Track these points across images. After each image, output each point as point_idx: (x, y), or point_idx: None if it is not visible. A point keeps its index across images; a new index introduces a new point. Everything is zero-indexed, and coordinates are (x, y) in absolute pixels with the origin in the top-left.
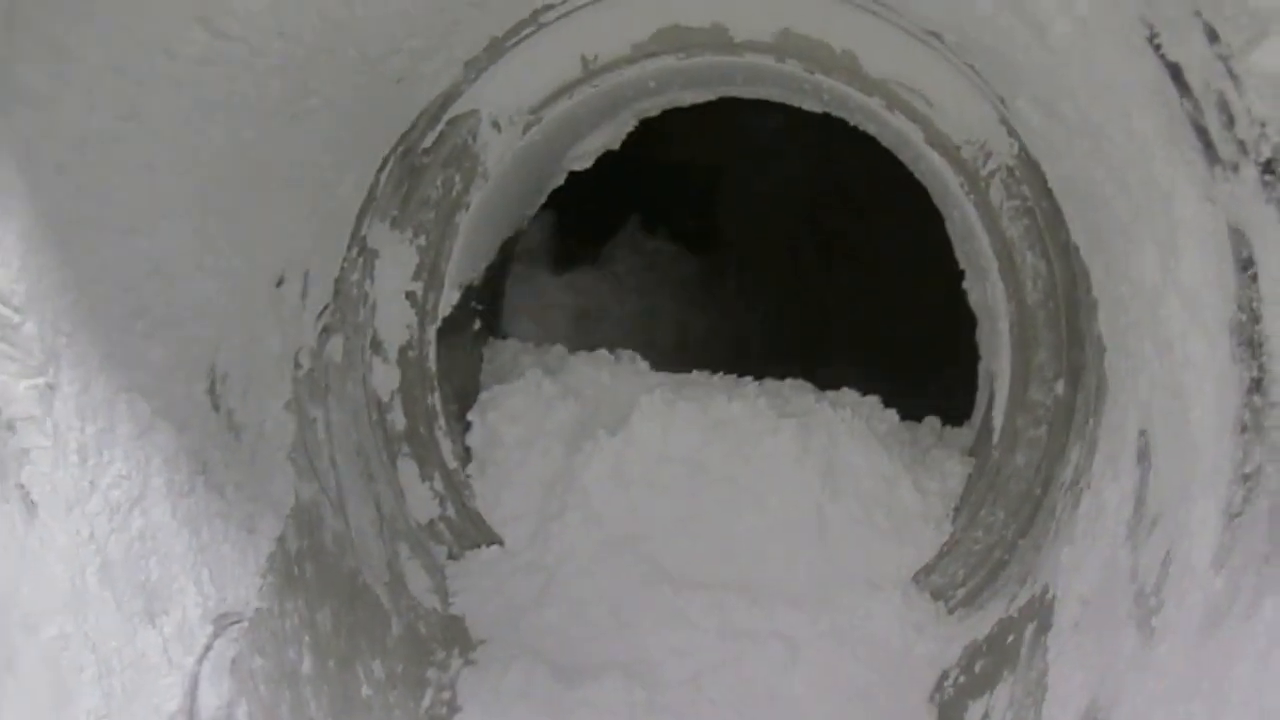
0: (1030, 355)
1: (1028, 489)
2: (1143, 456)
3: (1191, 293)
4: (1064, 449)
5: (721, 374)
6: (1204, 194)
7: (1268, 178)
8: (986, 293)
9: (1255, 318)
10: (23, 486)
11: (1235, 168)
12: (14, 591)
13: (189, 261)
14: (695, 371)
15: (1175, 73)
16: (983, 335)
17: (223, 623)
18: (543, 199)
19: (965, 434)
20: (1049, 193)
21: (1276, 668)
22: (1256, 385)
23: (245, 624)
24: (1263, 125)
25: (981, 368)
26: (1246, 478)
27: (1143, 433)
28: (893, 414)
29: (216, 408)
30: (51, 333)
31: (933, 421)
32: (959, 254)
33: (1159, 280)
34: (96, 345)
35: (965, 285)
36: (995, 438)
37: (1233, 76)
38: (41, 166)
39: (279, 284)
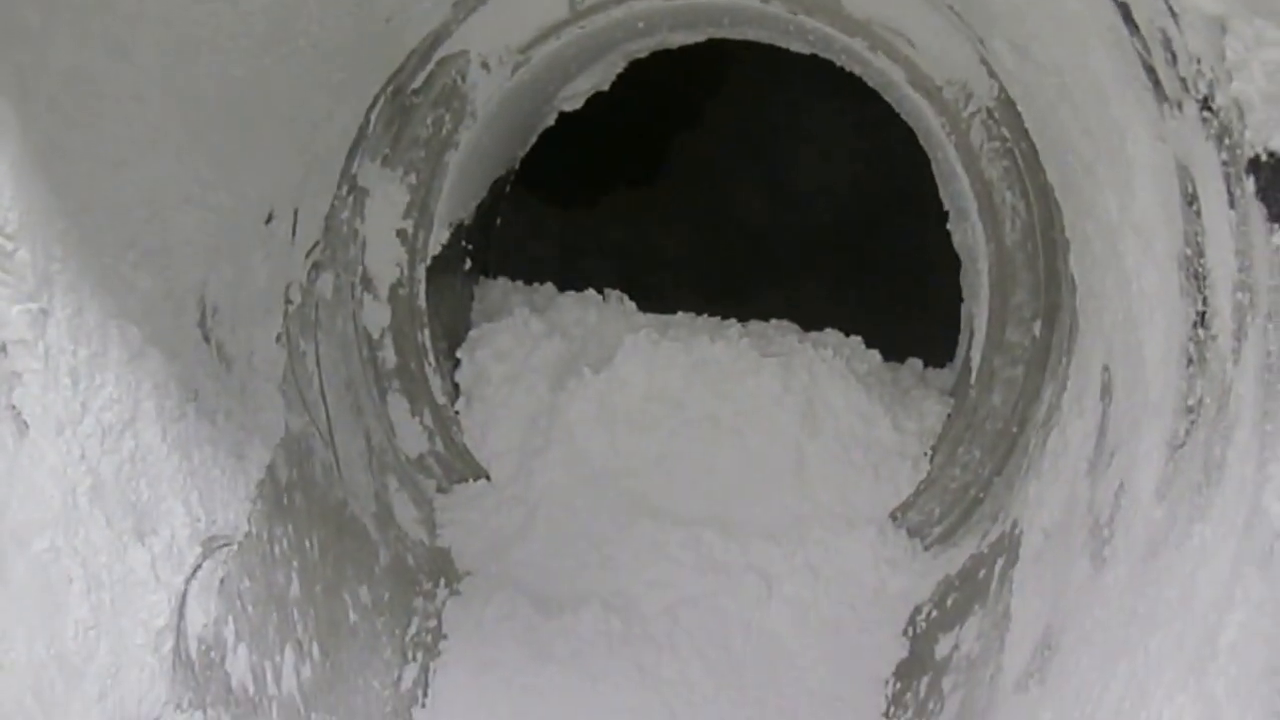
0: (1008, 296)
1: (1004, 428)
2: (1105, 392)
3: (1145, 228)
4: (1039, 389)
5: (706, 315)
6: (1154, 132)
7: (1205, 114)
8: (968, 234)
9: (1199, 252)
10: (14, 408)
11: (1179, 105)
12: (4, 506)
13: (178, 195)
14: (680, 313)
15: (1125, 12)
16: (965, 277)
17: (211, 545)
18: (534, 139)
19: (946, 375)
20: (1027, 134)
21: (1200, 590)
22: (1200, 319)
23: (234, 547)
24: (1198, 61)
25: (963, 309)
26: (1190, 410)
27: (1105, 368)
28: (874, 355)
29: (207, 339)
30: (44, 259)
31: (914, 364)
32: (943, 195)
33: (1117, 218)
34: (88, 273)
35: (949, 226)
36: (973, 378)
37: (1173, 14)
38: (33, 101)
39: (269, 220)
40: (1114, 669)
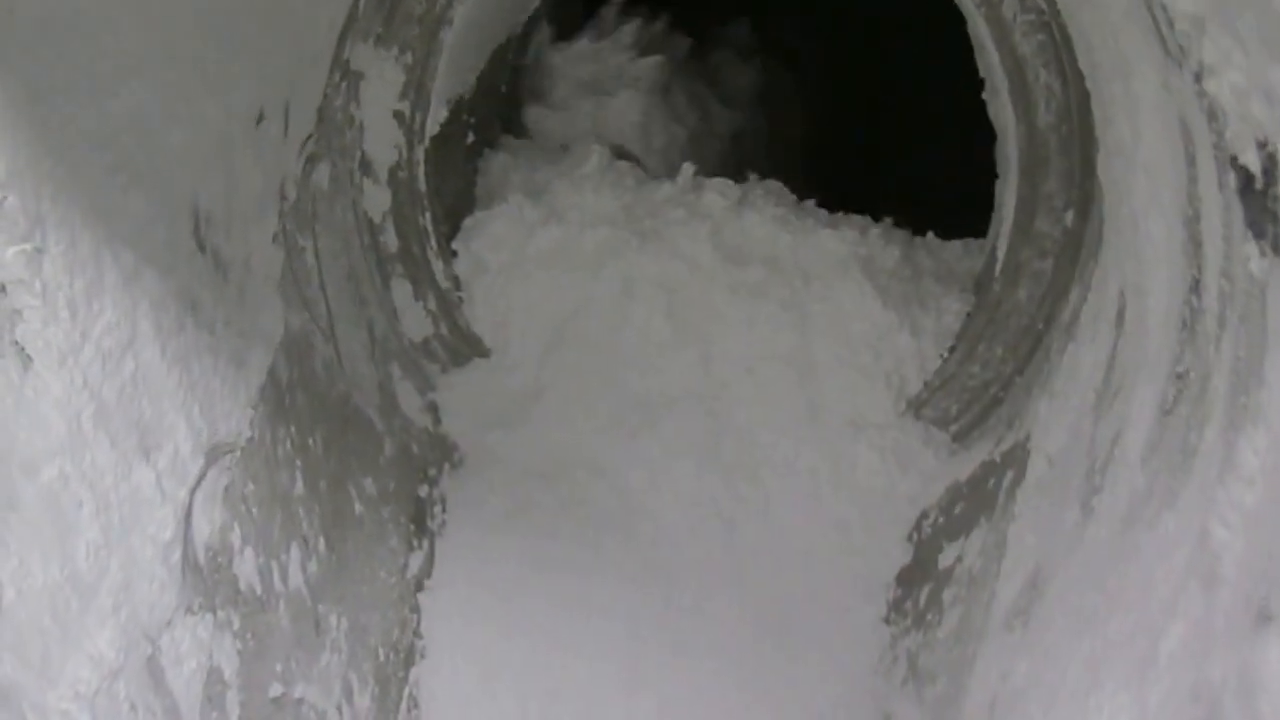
0: (1039, 182)
1: (1029, 324)
2: (1119, 319)
3: (1151, 173)
4: (1067, 286)
5: (721, 188)
6: (1161, 79)
7: (1197, 89)
8: (1000, 112)
9: (1197, 216)
10: (17, 343)
11: (1180, 63)
12: (12, 439)
13: (163, 115)
14: (695, 178)
15: None
16: (999, 153)
17: (215, 454)
18: (535, 4)
19: (975, 258)
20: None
21: (1157, 586)
22: (1195, 286)
23: (237, 453)
24: (1188, 39)
25: (996, 191)
26: (1179, 377)
27: (1122, 293)
28: (895, 250)
29: (202, 248)
30: (35, 201)
31: (938, 245)
32: (980, 67)
33: (1131, 150)
34: (78, 204)
35: (984, 96)
36: (998, 269)
37: None
38: (5, 50)
39: (259, 121)
40: (1079, 643)
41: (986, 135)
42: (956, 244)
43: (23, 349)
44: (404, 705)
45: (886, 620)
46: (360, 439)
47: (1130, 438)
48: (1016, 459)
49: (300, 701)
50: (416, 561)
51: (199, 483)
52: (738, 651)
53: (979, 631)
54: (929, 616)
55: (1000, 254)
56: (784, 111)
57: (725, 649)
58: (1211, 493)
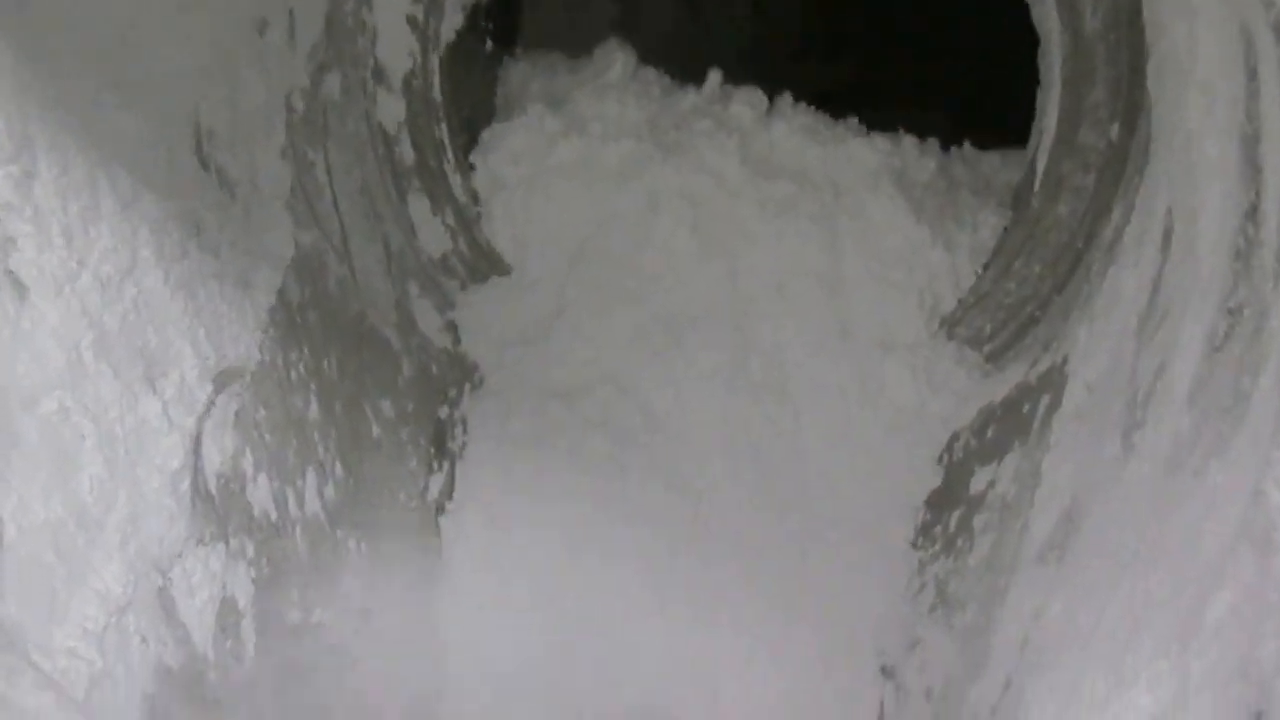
0: (1084, 92)
1: (1069, 240)
2: (1166, 240)
3: (1207, 86)
4: (1110, 203)
5: (749, 98)
6: None
7: None
8: (1044, 16)
9: (1257, 137)
10: (11, 273)
11: None
12: (9, 372)
13: (155, 25)
14: (722, 87)
15: None
16: (1042, 59)
17: (224, 380)
18: None
19: (1014, 170)
20: None
21: (1204, 545)
22: (1252, 213)
23: (248, 379)
24: None
25: (1038, 99)
26: (1230, 311)
27: (1169, 212)
28: (929, 162)
29: (205, 166)
30: (20, 121)
31: (975, 156)
32: None
33: (1185, 62)
34: (70, 125)
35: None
36: (1038, 182)
37: None
38: None
39: (262, 31)
40: (1117, 589)
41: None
42: (994, 155)
43: (17, 278)
44: (426, 628)
45: (915, 544)
46: (377, 360)
47: (1176, 371)
48: (1053, 383)
49: (319, 627)
50: (437, 484)
51: (208, 410)
52: (763, 574)
53: (1011, 562)
54: (959, 542)
55: (1040, 167)
56: None
57: (751, 572)
58: (1266, 451)
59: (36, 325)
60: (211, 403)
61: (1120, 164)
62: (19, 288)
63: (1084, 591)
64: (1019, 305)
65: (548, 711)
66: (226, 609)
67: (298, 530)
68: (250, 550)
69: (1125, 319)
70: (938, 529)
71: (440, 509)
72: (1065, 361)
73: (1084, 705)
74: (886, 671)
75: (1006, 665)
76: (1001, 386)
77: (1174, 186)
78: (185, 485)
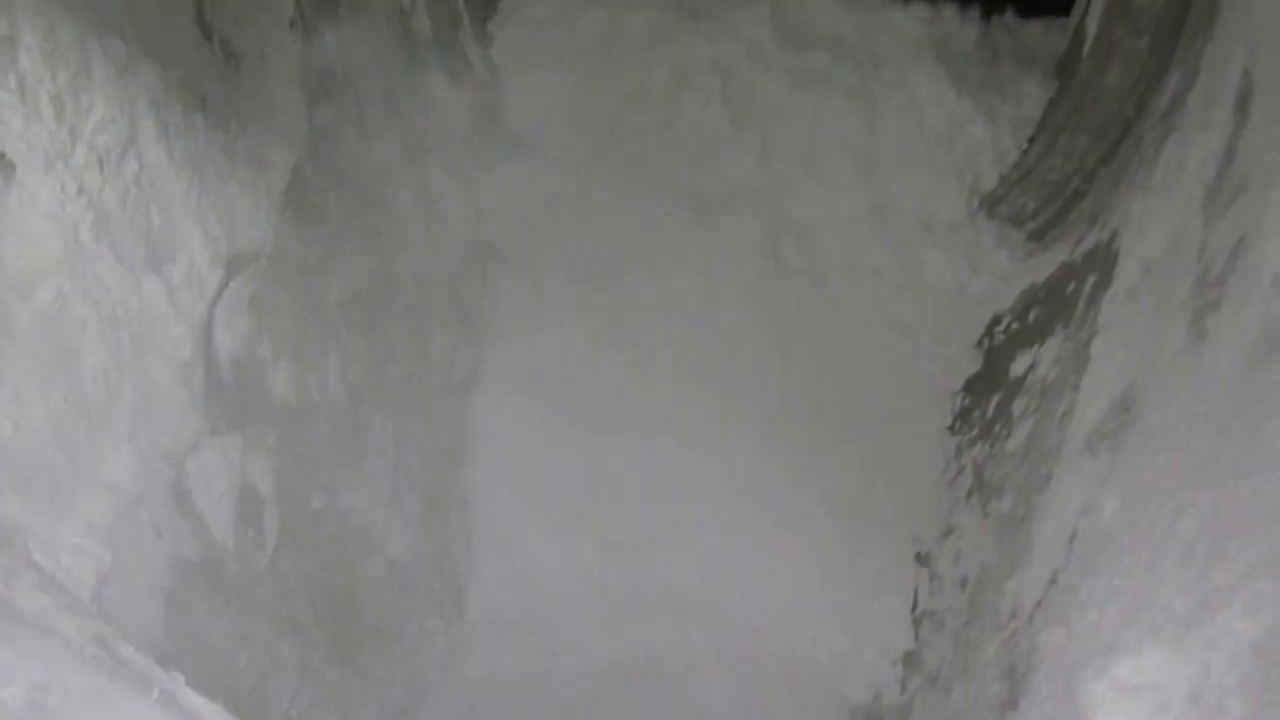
0: None
1: (1118, 111)
2: (1241, 104)
3: None
4: (1164, 69)
5: None
6: None
7: None
8: None
9: None
10: None
11: None
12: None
13: None
14: None
15: None
16: None
17: (236, 264)
18: None
19: (1059, 38)
20: None
21: None
22: None
23: (263, 262)
24: None
25: None
26: None
27: (1246, 74)
28: (971, 30)
29: (208, 36)
30: None
31: (1013, 22)
32: None
33: None
34: None
35: None
36: (1086, 48)
37: None
38: None
39: None
40: (1191, 493)
41: None
42: (1037, 23)
43: (2, 155)
44: (454, 507)
45: (952, 429)
46: (398, 242)
47: (1262, 251)
48: (1100, 262)
49: (346, 511)
50: (462, 364)
51: (220, 295)
52: (796, 459)
53: (1053, 450)
54: (997, 427)
55: (1090, 32)
56: None
57: (783, 457)
58: None
59: (27, 206)
60: (224, 288)
61: (1176, 26)
62: (5, 165)
63: (1147, 492)
64: (1064, 180)
65: (577, 594)
66: (246, 498)
67: (320, 414)
68: (270, 438)
69: (1190, 192)
70: (975, 414)
71: (466, 388)
72: (1114, 238)
73: (1160, 619)
74: (921, 559)
75: (1052, 560)
76: (1045, 267)
77: (1255, 43)
78: (199, 374)
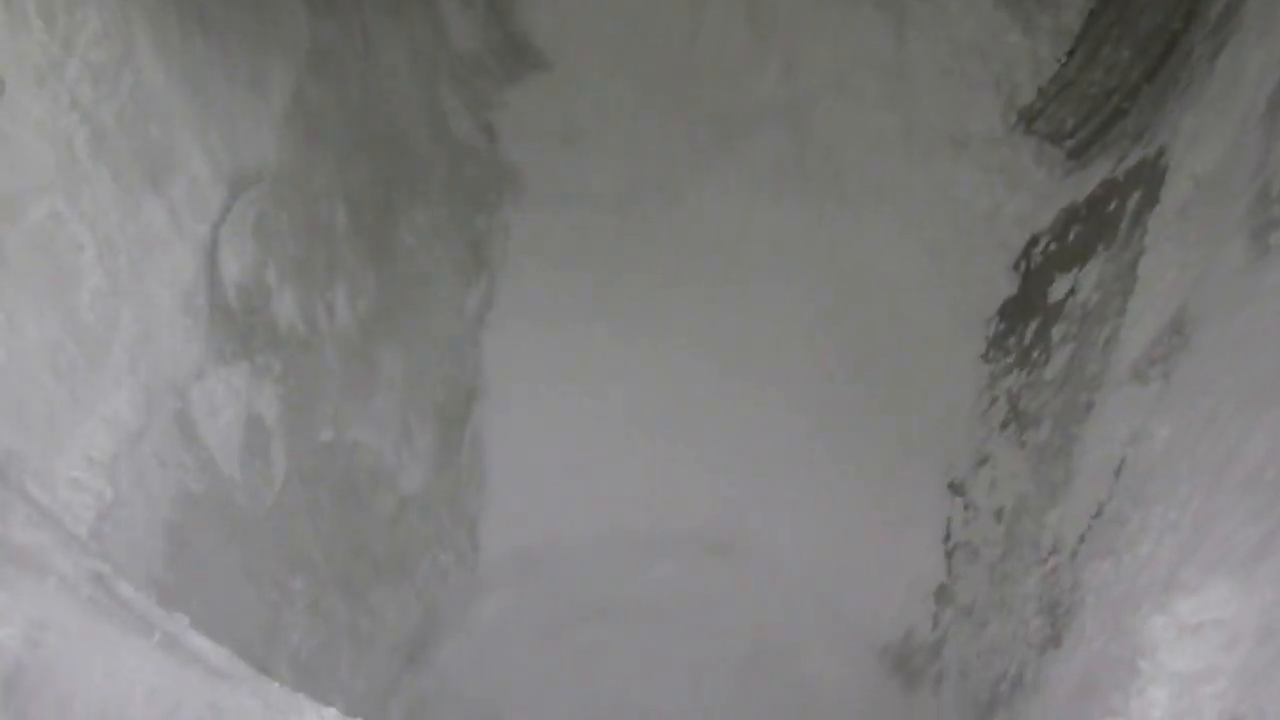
0: None
1: (1164, 22)
2: None
3: None
4: None
5: None
6: None
7: None
8: None
9: None
10: None
11: None
12: None
13: None
14: None
15: None
16: None
17: (239, 185)
18: None
19: None
20: None
21: None
22: None
23: (267, 183)
24: None
25: None
26: None
27: None
28: None
29: None
30: None
31: None
32: None
33: None
34: None
35: None
36: None
37: None
38: None
39: None
40: (1257, 417)
41: None
42: None
43: None
44: (466, 444)
45: (986, 357)
46: (408, 166)
47: None
48: (1145, 178)
49: (355, 445)
50: (476, 296)
51: (223, 218)
52: (824, 388)
53: (1095, 377)
54: (1034, 354)
55: None
56: None
57: (810, 386)
58: None
59: (19, 122)
60: (227, 209)
61: None
62: None
63: (1204, 418)
64: (1105, 95)
65: (593, 533)
66: (253, 429)
67: (328, 345)
68: (277, 367)
69: (1248, 105)
70: (1011, 340)
71: (480, 321)
72: (1161, 154)
73: (1224, 552)
74: (954, 488)
75: (1096, 491)
76: (1085, 184)
77: None
78: (202, 300)
